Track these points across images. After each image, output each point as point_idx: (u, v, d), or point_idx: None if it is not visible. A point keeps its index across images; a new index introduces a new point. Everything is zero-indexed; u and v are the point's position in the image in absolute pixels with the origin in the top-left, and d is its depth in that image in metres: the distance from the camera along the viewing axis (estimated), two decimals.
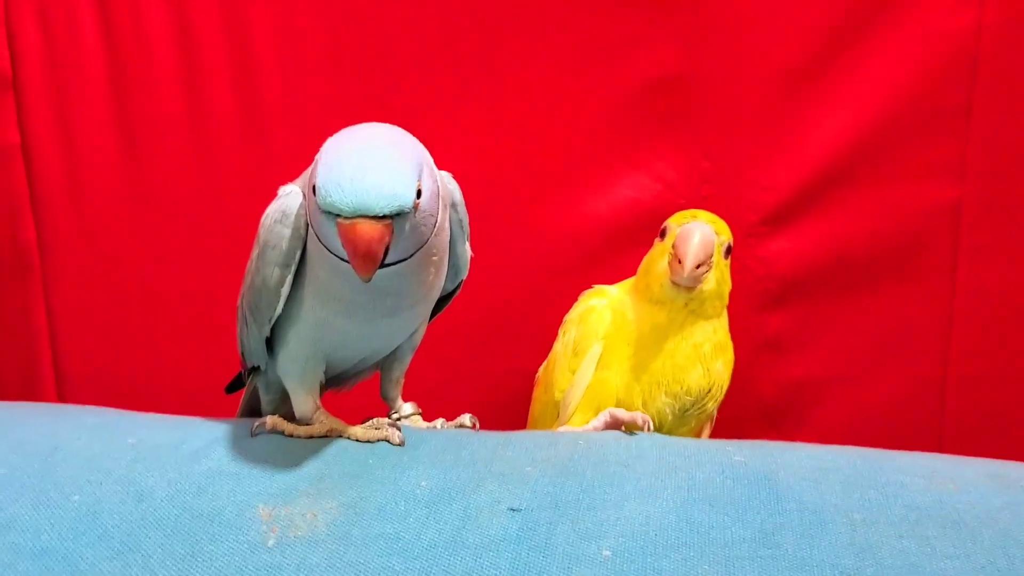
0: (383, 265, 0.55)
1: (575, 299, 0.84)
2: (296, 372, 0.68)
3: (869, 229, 0.93)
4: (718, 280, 0.75)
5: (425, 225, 0.58)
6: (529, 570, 0.52)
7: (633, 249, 0.82)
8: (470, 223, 0.73)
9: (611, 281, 0.84)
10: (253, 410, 0.77)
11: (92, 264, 1.07)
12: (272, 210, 0.64)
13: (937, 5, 0.88)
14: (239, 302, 0.70)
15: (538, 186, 0.98)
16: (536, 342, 0.87)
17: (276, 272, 0.63)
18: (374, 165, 0.53)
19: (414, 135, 0.60)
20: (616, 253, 0.95)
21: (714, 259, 0.74)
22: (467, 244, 0.71)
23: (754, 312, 0.97)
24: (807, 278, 0.96)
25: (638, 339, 0.76)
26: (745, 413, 0.96)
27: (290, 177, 0.66)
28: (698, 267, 0.72)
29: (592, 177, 0.97)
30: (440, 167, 0.68)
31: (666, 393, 0.75)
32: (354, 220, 0.53)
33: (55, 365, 1.09)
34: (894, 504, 0.56)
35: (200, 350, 1.04)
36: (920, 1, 0.88)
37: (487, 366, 1.00)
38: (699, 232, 0.73)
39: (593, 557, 0.53)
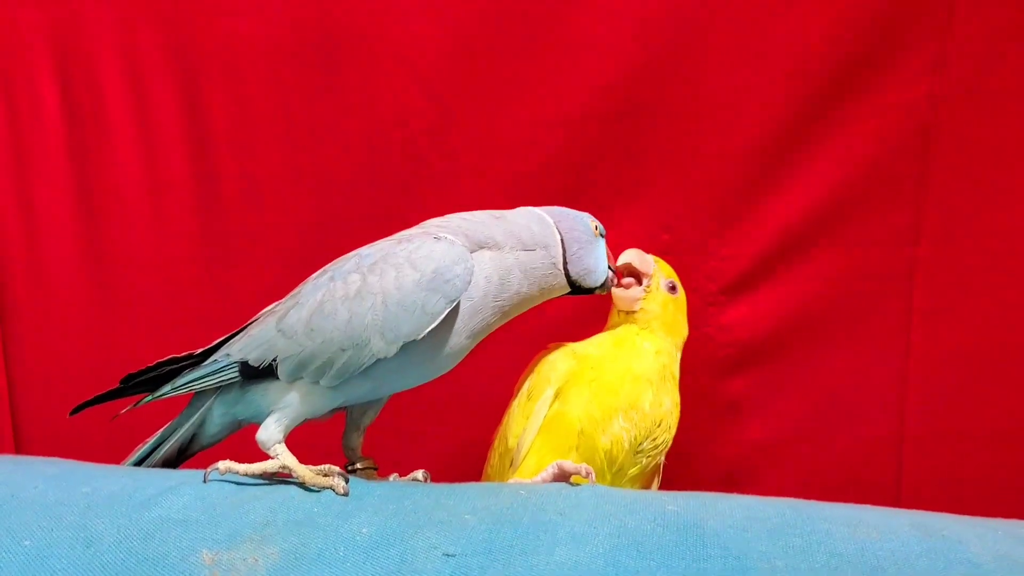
0: None
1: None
2: (293, 403, 0.72)
3: (826, 294, 0.96)
4: (661, 305, 0.82)
5: None
6: None
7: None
8: None
9: None
10: (183, 445, 0.80)
11: (51, 330, 1.08)
12: (457, 254, 0.70)
13: (892, 78, 0.91)
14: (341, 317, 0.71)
15: None
16: (495, 410, 0.88)
17: (441, 303, 0.68)
18: None
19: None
20: (578, 325, 0.95)
21: (652, 284, 0.81)
22: None
23: (714, 378, 0.98)
24: (766, 343, 0.98)
25: (599, 362, 0.81)
26: (703, 476, 0.97)
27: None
28: (626, 284, 0.81)
29: None
30: None
31: (624, 418, 0.78)
32: None
33: (14, 429, 1.10)
34: (817, 551, 0.58)
35: (158, 414, 1.06)
36: (877, 75, 0.91)
37: (445, 435, 1.02)
38: (634, 249, 0.83)
39: None
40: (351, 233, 0.72)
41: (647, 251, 0.97)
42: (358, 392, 0.73)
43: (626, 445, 0.79)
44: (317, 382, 0.71)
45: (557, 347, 0.86)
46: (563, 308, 0.98)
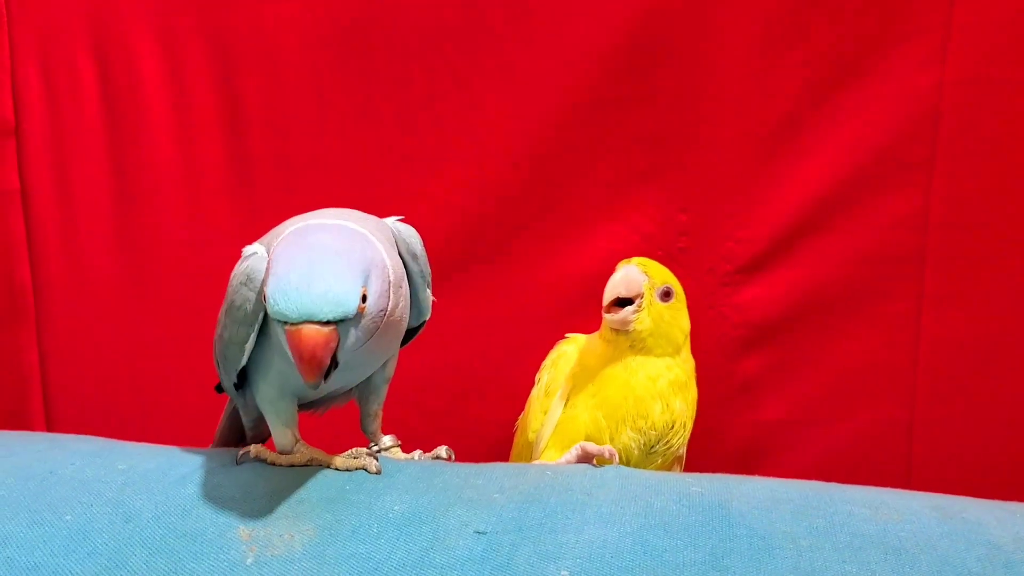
0: (332, 365, 0.58)
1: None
2: (270, 409, 0.71)
3: (838, 277, 0.97)
4: (655, 320, 0.79)
5: (374, 321, 0.61)
6: None
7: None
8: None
9: (589, 331, 0.87)
10: (234, 427, 0.81)
11: (85, 308, 1.10)
12: (238, 271, 0.67)
13: (902, 65, 0.92)
14: (214, 345, 0.74)
15: (518, 238, 1.01)
16: (515, 391, 0.90)
17: (241, 331, 0.67)
18: (319, 273, 0.57)
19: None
20: (595, 304, 0.95)
21: (644, 301, 0.79)
22: (429, 291, 0.74)
23: (728, 357, 0.99)
24: (779, 324, 0.99)
25: (598, 376, 0.80)
26: (718, 455, 0.99)
27: (275, 224, 0.70)
28: (618, 310, 0.78)
29: (572, 229, 1.01)
30: (422, 221, 0.72)
31: (631, 428, 0.79)
32: (300, 326, 0.56)
33: (46, 406, 1.12)
34: (840, 532, 0.60)
35: (189, 394, 1.07)
36: (885, 61, 0.92)
37: (467, 415, 1.03)
38: (622, 271, 0.79)
39: None
40: (383, 214, 0.72)
41: (665, 232, 0.99)
42: (308, 391, 0.70)
43: (636, 452, 0.79)
44: (226, 372, 0.71)
45: (573, 339, 0.87)
46: (578, 292, 1.00)
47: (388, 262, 0.64)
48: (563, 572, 0.56)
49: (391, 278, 0.63)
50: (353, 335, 0.59)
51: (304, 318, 0.56)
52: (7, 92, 1.07)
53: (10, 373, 1.12)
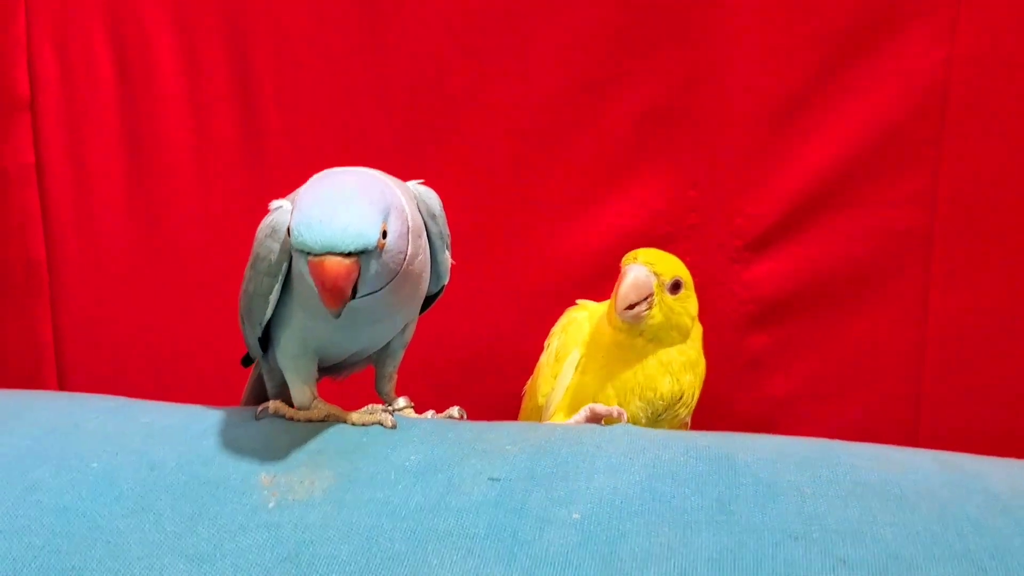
0: (353, 297, 0.61)
1: None
2: (291, 366, 0.73)
3: (846, 254, 0.98)
4: (665, 314, 0.80)
5: (394, 261, 0.63)
6: (504, 529, 0.57)
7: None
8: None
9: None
10: (259, 394, 0.82)
11: (99, 282, 1.11)
12: (264, 224, 0.70)
13: (910, 43, 0.93)
14: (239, 302, 0.76)
15: (530, 213, 1.03)
16: (525, 363, 0.92)
17: (265, 282, 0.69)
18: (342, 208, 0.59)
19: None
20: (605, 279, 0.95)
21: (655, 297, 0.79)
22: (447, 252, 0.76)
23: (736, 333, 1.01)
24: (787, 300, 1.00)
25: (609, 353, 0.82)
26: (725, 429, 1.00)
27: None
28: (631, 308, 0.79)
29: (583, 205, 1.02)
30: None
31: (640, 398, 0.81)
32: (323, 257, 0.59)
33: (60, 380, 1.14)
34: (843, 480, 0.61)
35: (202, 366, 1.09)
36: (894, 39, 0.93)
37: (477, 386, 1.05)
38: (632, 275, 0.79)
39: (563, 519, 0.58)
40: None
41: (675, 208, 1.00)
42: (330, 351, 0.74)
43: (643, 420, 0.81)
44: (251, 325, 0.73)
45: (583, 306, 0.89)
46: (588, 267, 1.01)
47: (407, 210, 0.66)
48: (574, 515, 0.58)
49: (410, 224, 0.65)
50: (374, 269, 0.61)
51: (326, 249, 0.59)
52: (23, 67, 1.09)
53: (25, 346, 1.14)
